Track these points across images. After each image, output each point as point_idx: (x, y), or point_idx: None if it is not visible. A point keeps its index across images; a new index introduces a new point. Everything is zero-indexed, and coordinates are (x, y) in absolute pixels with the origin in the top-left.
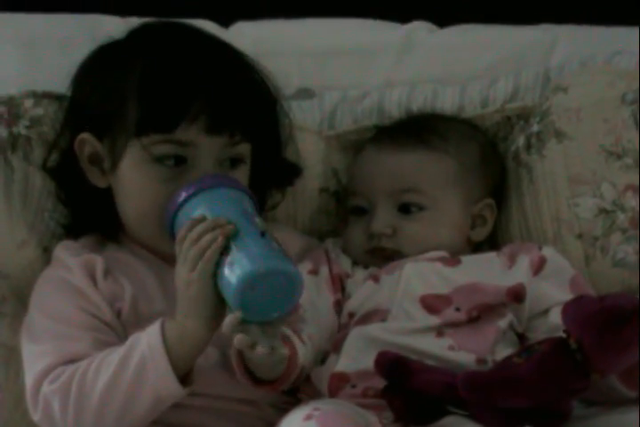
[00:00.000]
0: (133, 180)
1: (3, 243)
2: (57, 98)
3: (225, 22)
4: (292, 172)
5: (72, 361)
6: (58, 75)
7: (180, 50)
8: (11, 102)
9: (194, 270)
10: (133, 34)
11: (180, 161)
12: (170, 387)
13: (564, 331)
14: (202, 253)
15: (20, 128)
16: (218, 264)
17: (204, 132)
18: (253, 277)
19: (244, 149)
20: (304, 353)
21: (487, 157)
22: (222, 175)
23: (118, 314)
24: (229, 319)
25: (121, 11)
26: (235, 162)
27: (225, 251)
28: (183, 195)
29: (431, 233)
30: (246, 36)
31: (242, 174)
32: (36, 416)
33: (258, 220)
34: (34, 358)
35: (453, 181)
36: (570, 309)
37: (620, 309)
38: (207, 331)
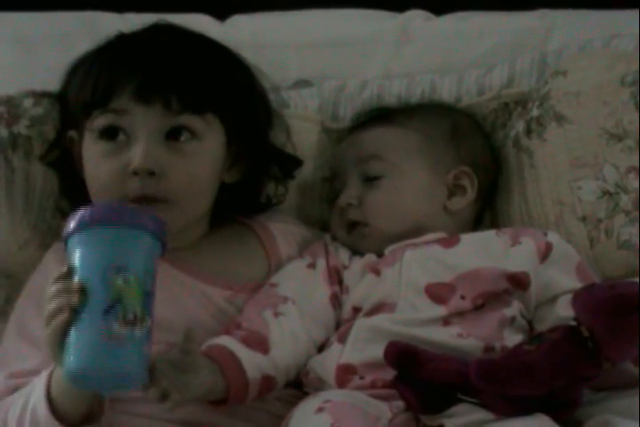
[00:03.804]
0: (85, 161)
1: (5, 243)
2: (56, 97)
3: (222, 16)
4: (291, 164)
5: (18, 377)
6: (56, 73)
7: (134, 40)
8: (10, 102)
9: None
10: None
11: (120, 133)
12: None
13: (575, 319)
14: (51, 318)
15: (20, 128)
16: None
17: (134, 100)
18: (75, 376)
19: (192, 121)
20: (265, 363)
21: (461, 132)
22: (128, 208)
23: None
24: None
25: (118, 7)
26: (182, 134)
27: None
28: (72, 226)
29: (395, 201)
30: (243, 29)
31: (194, 150)
32: None
33: (119, 281)
34: None
35: (416, 150)
36: (581, 297)
37: (632, 297)
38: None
